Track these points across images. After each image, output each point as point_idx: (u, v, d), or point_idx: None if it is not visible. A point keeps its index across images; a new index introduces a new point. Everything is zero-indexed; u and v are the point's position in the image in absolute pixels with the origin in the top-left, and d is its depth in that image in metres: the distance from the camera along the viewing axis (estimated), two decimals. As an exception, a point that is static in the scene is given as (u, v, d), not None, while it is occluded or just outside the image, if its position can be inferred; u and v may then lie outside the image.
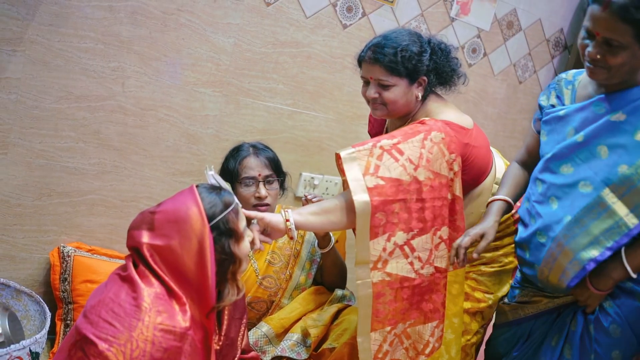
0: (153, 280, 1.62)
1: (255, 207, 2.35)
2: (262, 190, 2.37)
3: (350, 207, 1.87)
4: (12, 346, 2.08)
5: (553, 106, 1.97)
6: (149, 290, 1.59)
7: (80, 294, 2.48)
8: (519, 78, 3.52)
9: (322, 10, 2.83)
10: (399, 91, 2.04)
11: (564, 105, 1.94)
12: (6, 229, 2.47)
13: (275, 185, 2.45)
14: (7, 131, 2.37)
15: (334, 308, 2.35)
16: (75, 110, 2.46)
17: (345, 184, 1.97)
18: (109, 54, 2.46)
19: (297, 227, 1.90)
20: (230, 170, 2.40)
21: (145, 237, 1.64)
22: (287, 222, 1.88)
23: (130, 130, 2.58)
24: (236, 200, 1.77)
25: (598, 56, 1.69)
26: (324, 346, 2.23)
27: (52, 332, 2.53)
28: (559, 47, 3.60)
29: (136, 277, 1.61)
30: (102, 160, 2.56)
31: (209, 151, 2.74)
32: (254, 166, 2.40)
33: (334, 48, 2.90)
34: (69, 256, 2.51)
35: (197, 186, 1.72)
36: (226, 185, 1.82)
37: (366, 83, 2.12)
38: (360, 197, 1.84)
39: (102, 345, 1.50)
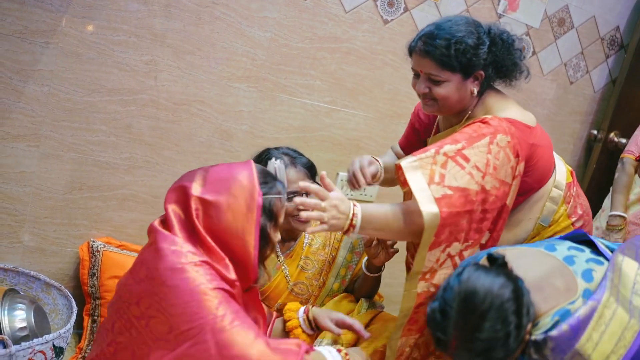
0: (187, 249, 1.55)
1: (295, 217, 2.21)
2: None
3: (412, 219, 1.75)
4: (35, 340, 2.06)
5: None
6: (192, 267, 1.53)
7: (108, 290, 2.45)
8: (570, 78, 3.36)
9: (362, 5, 2.74)
10: (452, 87, 1.88)
11: None
12: (37, 222, 2.46)
13: None
14: (39, 123, 2.35)
15: (368, 314, 2.26)
16: (107, 104, 2.43)
17: (407, 196, 1.86)
18: (142, 47, 2.42)
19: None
20: None
21: (196, 190, 1.60)
22: (354, 218, 1.76)
23: (163, 125, 2.53)
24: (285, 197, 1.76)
25: None
26: None
27: (80, 326, 2.52)
28: (614, 46, 3.42)
29: (168, 236, 1.57)
30: (133, 155, 2.52)
31: (242, 148, 2.68)
32: (295, 179, 2.21)
33: (374, 44, 2.81)
34: (98, 251, 2.49)
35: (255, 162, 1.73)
36: (285, 181, 1.82)
37: (416, 75, 1.95)
38: (429, 208, 1.69)
39: (201, 330, 1.48)
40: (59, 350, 2.14)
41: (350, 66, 2.80)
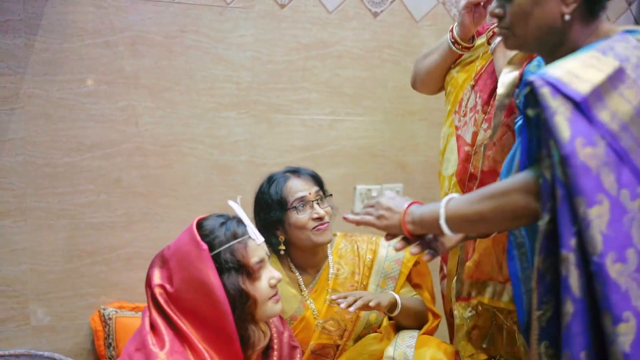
0: (165, 335, 1.47)
1: (315, 229, 2.01)
2: (319, 209, 2.04)
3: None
4: None
5: None
6: (162, 355, 1.43)
7: (126, 359, 2.26)
8: None
9: (347, 1, 2.50)
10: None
11: None
12: (41, 299, 2.29)
13: (328, 201, 2.12)
14: (21, 196, 2.19)
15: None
16: (90, 161, 2.26)
17: None
18: (114, 93, 2.24)
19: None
20: (276, 201, 2.03)
21: (157, 278, 1.53)
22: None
23: (154, 171, 2.34)
24: (251, 234, 1.57)
25: (496, 11, 1.27)
26: None
27: (105, 404, 2.34)
28: (636, -8, 3.08)
29: (148, 341, 1.46)
30: (129, 210, 2.34)
31: (245, 180, 2.47)
32: (300, 187, 2.05)
33: (367, 41, 2.56)
34: (110, 319, 2.30)
35: (205, 217, 1.60)
36: (245, 217, 1.61)
37: None
38: None
39: None
40: None
41: (345, 70, 2.56)
